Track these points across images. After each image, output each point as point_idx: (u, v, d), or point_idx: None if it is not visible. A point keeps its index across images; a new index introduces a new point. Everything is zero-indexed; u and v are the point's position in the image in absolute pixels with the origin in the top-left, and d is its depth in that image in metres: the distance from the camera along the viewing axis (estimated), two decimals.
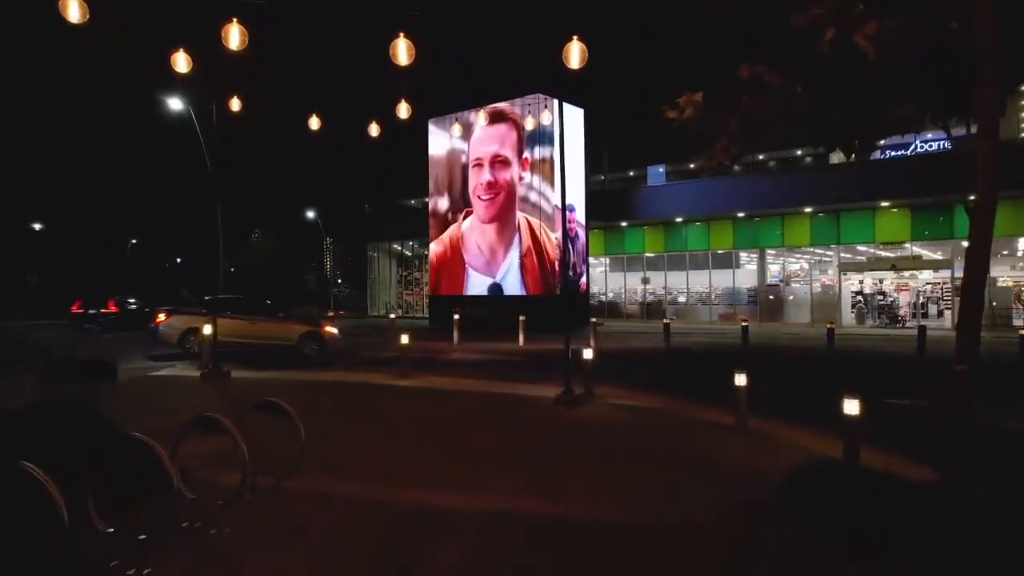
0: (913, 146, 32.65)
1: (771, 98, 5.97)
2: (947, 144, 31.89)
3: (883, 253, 26.88)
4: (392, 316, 22.29)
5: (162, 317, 15.11)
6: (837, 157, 34.54)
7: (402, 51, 6.72)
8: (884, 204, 25.84)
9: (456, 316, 19.66)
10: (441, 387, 10.66)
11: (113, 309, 28.16)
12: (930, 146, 32.28)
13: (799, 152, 35.59)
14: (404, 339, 11.74)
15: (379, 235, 42.07)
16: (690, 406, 9.58)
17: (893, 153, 33.20)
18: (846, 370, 14.09)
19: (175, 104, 23.57)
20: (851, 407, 6.55)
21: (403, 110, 11.38)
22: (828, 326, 16.98)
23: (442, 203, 30.09)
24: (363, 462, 6.26)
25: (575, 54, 5.55)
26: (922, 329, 15.49)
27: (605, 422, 8.45)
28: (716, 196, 29.67)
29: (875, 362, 15.67)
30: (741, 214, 29.01)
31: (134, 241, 75.47)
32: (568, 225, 27.98)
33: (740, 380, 8.32)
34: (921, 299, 26.53)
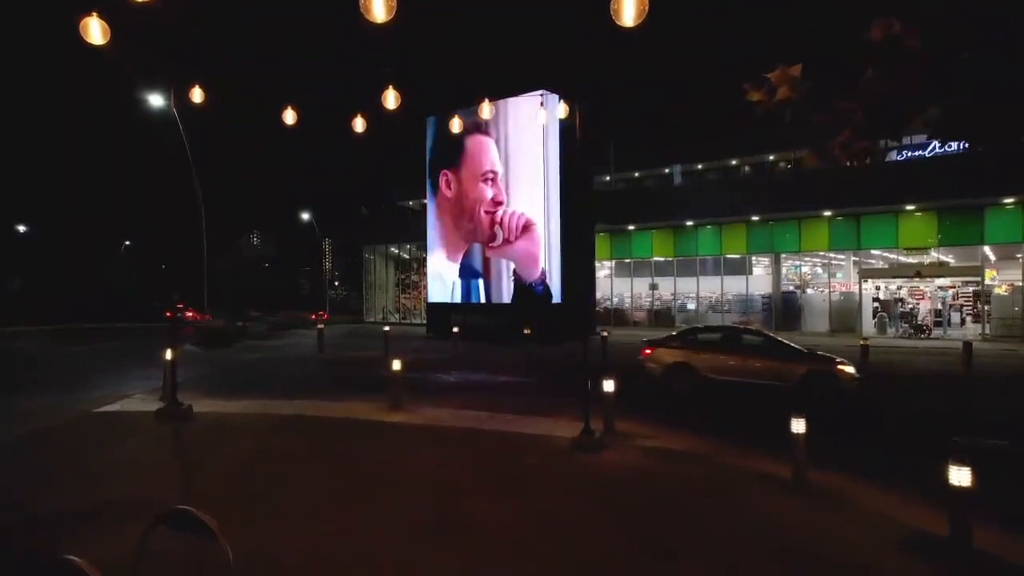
0: (932, 146, 31.26)
1: (906, 71, 4.40)
2: (964, 145, 30.65)
3: (906, 259, 25.43)
4: (387, 328, 20.77)
5: (648, 351, 12.95)
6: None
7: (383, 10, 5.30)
8: (909, 207, 24.40)
9: (455, 329, 18.20)
10: (437, 424, 9.18)
11: (198, 318, 26.39)
12: (949, 146, 30.87)
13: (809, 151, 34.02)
14: (396, 365, 10.26)
15: (375, 238, 40.60)
16: (728, 449, 8.12)
17: (910, 154, 31.84)
18: (894, 394, 12.64)
19: (157, 101, 22.19)
20: (960, 476, 5.10)
21: (390, 99, 9.93)
22: (862, 342, 15.54)
23: (443, 206, 28.60)
24: (320, 560, 4.75)
25: (629, 8, 4.07)
26: (968, 345, 14.03)
27: (635, 477, 6.97)
28: (728, 198, 28.25)
29: (922, 382, 14.21)
30: (755, 217, 27.56)
31: (128, 243, 73.97)
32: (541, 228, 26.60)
33: (797, 427, 6.84)
34: (941, 307, 25.09)
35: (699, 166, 34.65)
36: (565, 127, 24.79)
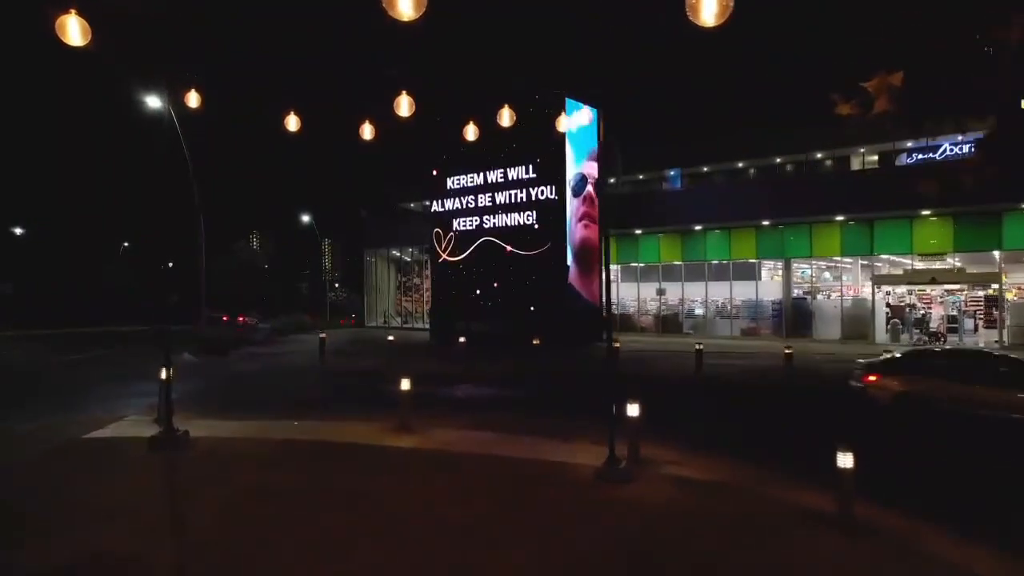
0: (943, 149, 30.72)
1: None
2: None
3: (920, 265, 24.85)
4: (391, 338, 20.19)
5: (873, 377, 11.52)
6: (858, 162, 32.69)
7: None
8: (924, 212, 23.82)
9: (462, 339, 17.63)
10: (448, 449, 8.60)
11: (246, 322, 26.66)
12: (960, 149, 30.35)
13: (819, 155, 33.51)
14: (405, 384, 9.67)
15: (377, 241, 40.02)
16: (765, 479, 7.56)
17: (920, 156, 31.30)
18: None
19: (155, 102, 21.64)
20: None
21: (403, 105, 9.36)
22: (886, 353, 14.89)
23: (450, 211, 28.03)
24: None
25: (709, 5, 3.45)
26: None
27: (665, 515, 6.40)
28: (738, 203, 27.71)
29: None
30: (766, 222, 26.99)
31: (126, 244, 73.36)
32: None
33: (845, 461, 6.26)
34: (956, 313, 24.50)
35: (707, 168, 34.12)
36: (579, 130, 24.30)
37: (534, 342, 17.42)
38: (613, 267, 31.61)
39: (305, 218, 49.78)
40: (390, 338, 21.41)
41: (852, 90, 4.60)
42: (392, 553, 5.24)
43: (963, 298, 24.85)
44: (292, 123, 9.34)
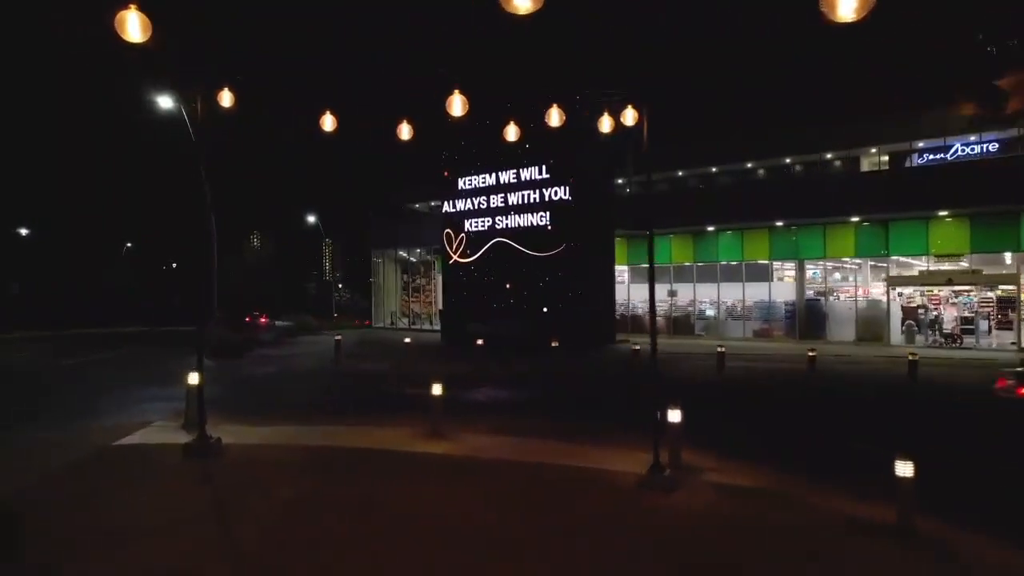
0: (954, 149, 30.55)
1: None
2: (991, 148, 29.90)
3: (936, 266, 24.68)
4: (408, 340, 20.03)
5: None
6: (868, 163, 32.51)
7: None
8: (941, 213, 23.66)
9: (480, 341, 17.47)
10: (481, 456, 8.42)
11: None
12: (972, 149, 30.17)
13: (829, 156, 33.30)
14: (436, 389, 9.50)
15: (385, 242, 39.89)
16: (812, 487, 7.37)
17: (931, 156, 31.13)
18: (970, 422, 11.89)
19: (164, 102, 21.49)
20: None
21: (456, 105, 9.21)
22: (910, 357, 14.77)
23: (461, 211, 27.85)
24: None
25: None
26: None
27: (716, 525, 6.22)
28: (751, 203, 27.55)
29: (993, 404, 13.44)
30: (779, 223, 26.83)
31: (129, 245, 73.26)
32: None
33: (904, 469, 6.08)
34: (972, 315, 24.28)
35: (718, 169, 33.97)
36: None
37: (552, 344, 17.20)
38: (623, 268, 31.46)
39: (311, 219, 49.61)
40: (407, 340, 21.18)
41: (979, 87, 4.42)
42: (431, 565, 5.06)
43: (975, 299, 24.57)
44: (328, 123, 9.15)
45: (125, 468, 7.47)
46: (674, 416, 8.26)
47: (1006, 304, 23.60)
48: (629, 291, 31.31)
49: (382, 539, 5.54)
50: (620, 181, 34.48)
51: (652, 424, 7.86)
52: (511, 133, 10.47)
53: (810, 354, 15.91)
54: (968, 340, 23.71)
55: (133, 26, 4.94)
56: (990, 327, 24.63)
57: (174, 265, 70.99)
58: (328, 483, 7.03)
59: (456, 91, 7.16)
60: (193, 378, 9.53)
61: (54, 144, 62.30)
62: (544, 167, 25.62)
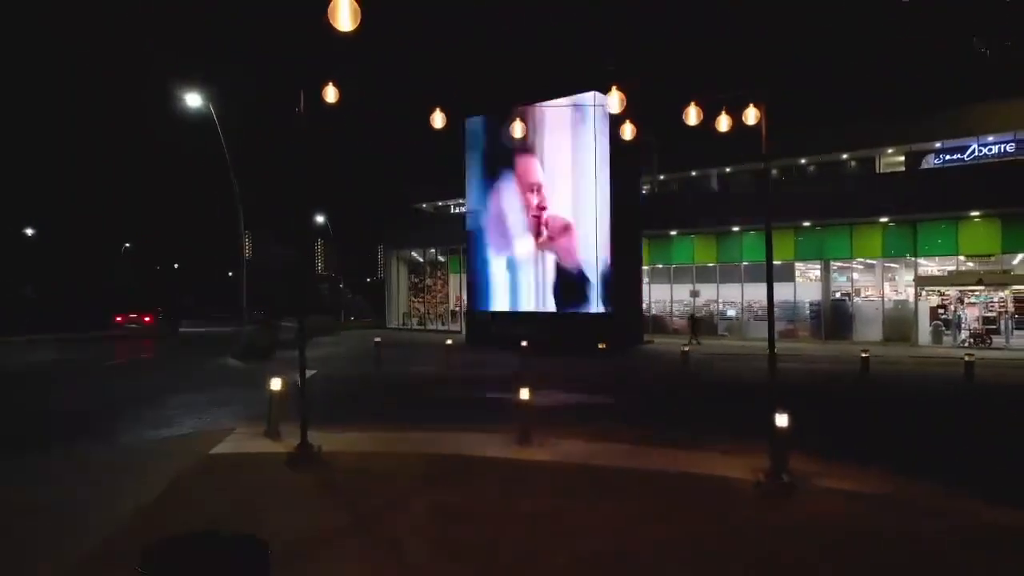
0: (971, 149, 30.70)
1: None
2: (1008, 147, 30.06)
3: (966, 266, 24.74)
4: (449, 342, 19.85)
5: None
6: (886, 162, 32.64)
7: None
8: (972, 213, 23.72)
9: (524, 343, 17.32)
10: (589, 463, 8.27)
11: None
12: (989, 149, 30.33)
13: (844, 156, 33.34)
14: (524, 394, 9.32)
15: (399, 242, 39.65)
16: (940, 493, 7.27)
17: (949, 157, 31.28)
18: None
19: (194, 101, 21.20)
20: None
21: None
22: (966, 357, 14.74)
23: (483, 213, 27.63)
24: None
25: None
26: None
27: (853, 532, 6.07)
28: (777, 204, 27.48)
29: None
30: (807, 223, 26.83)
31: (127, 245, 72.55)
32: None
33: None
34: (1001, 315, 24.34)
35: (741, 168, 33.98)
36: (613, 128, 24.04)
37: (599, 346, 17.10)
38: (646, 268, 31.39)
39: (320, 219, 49.22)
40: (448, 342, 20.87)
41: None
42: None
43: (999, 297, 24.46)
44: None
45: (243, 479, 7.24)
46: (781, 420, 8.15)
47: None
48: (650, 291, 31.25)
49: (550, 550, 5.38)
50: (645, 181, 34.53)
51: (771, 430, 7.77)
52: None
53: (863, 355, 15.86)
54: (997, 340, 23.78)
55: (344, 15, 4.70)
56: (1010, 326, 24.66)
57: (175, 266, 70.46)
58: (457, 494, 6.85)
59: (615, 87, 7.02)
60: (276, 384, 9.33)
61: (55, 144, 61.63)
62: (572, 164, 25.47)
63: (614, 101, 8.77)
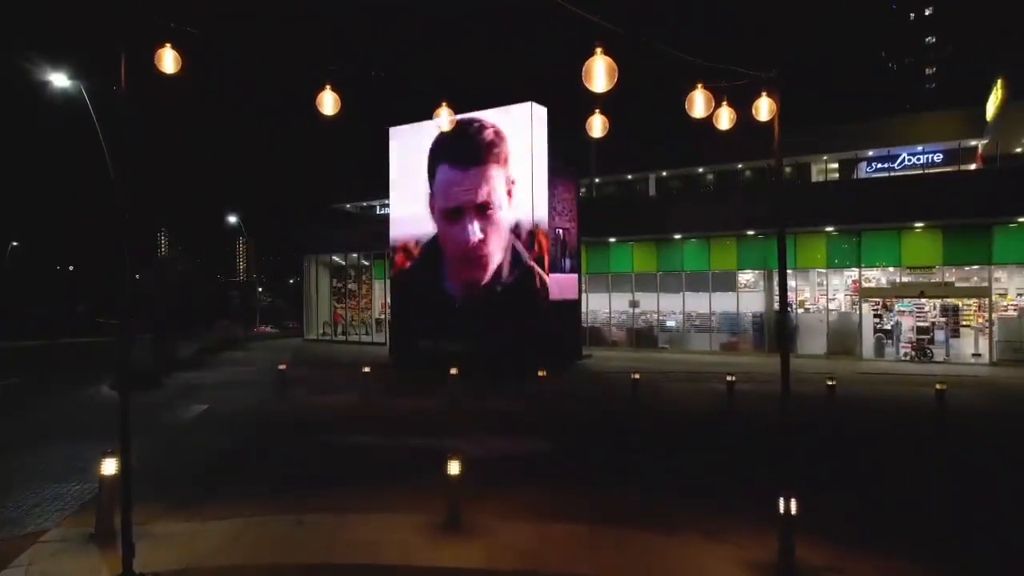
0: (901, 159, 30.73)
1: None
2: (935, 158, 30.21)
3: (908, 278, 24.19)
4: (367, 370, 17.40)
5: None
6: (815, 171, 32.31)
7: None
8: (916, 225, 23.14)
9: (454, 371, 15.09)
10: (540, 569, 6.16)
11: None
12: (917, 159, 30.44)
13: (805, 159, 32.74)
14: (453, 468, 7.13)
15: (319, 246, 36.56)
16: None
17: (879, 165, 31.24)
18: None
19: (60, 81, 17.93)
20: None
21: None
22: (938, 387, 13.41)
23: (406, 216, 25.11)
24: None
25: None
26: None
27: None
28: (719, 211, 26.41)
29: None
30: (751, 232, 25.78)
31: (15, 244, 65.92)
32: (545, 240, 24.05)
33: None
34: (943, 329, 23.91)
35: (683, 172, 32.99)
36: (551, 135, 22.31)
37: (539, 374, 15.03)
38: (583, 277, 29.73)
39: (232, 219, 45.26)
40: (352, 358, 18.28)
41: None
42: None
43: (949, 314, 24.04)
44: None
45: None
46: (789, 503, 6.27)
47: (984, 319, 23.12)
48: (587, 301, 29.58)
49: None
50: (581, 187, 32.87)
51: (779, 517, 5.91)
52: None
53: (829, 383, 14.37)
54: (939, 353, 23.31)
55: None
56: (947, 339, 24.29)
57: (71, 268, 63.75)
58: None
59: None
60: (108, 466, 6.68)
61: None
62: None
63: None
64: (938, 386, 13.39)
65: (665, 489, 8.77)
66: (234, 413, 14.24)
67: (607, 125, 7.26)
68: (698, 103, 5.82)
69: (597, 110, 7.11)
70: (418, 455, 10.43)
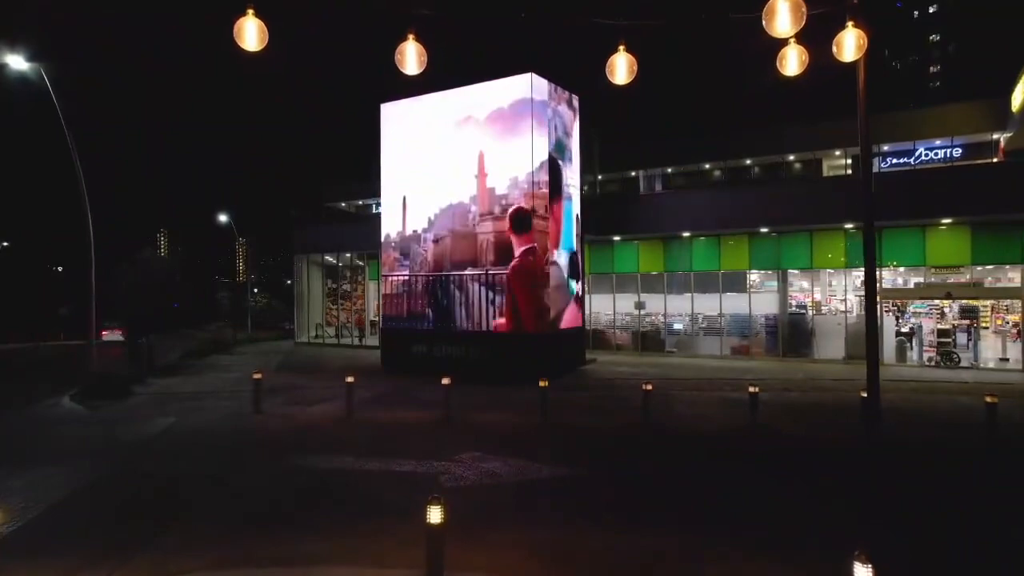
0: (918, 153, 29.32)
1: None
2: (953, 152, 28.80)
3: (934, 279, 22.77)
4: (343, 364, 15.91)
5: None
6: (827, 166, 30.89)
7: None
8: (944, 221, 21.72)
9: (446, 381, 13.64)
10: None
11: None
12: (935, 154, 29.02)
13: (791, 157, 31.45)
14: (435, 515, 5.68)
15: (311, 246, 35.13)
16: None
17: (895, 160, 29.84)
18: None
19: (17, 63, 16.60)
20: None
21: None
22: (989, 400, 12.00)
23: (400, 212, 23.66)
24: None
25: None
26: None
27: None
28: (730, 208, 25.01)
29: None
30: (764, 229, 24.37)
31: (5, 244, 64.63)
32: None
33: None
34: (971, 333, 22.50)
35: (693, 169, 31.60)
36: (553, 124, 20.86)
37: (541, 384, 13.55)
38: (585, 277, 28.31)
39: (223, 218, 43.73)
40: (342, 363, 16.81)
41: None
42: None
43: (979, 317, 22.69)
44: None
45: None
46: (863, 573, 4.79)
47: (1017, 322, 21.77)
48: (590, 302, 28.14)
49: None
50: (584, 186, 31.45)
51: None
52: None
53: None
54: (966, 355, 21.92)
55: None
56: (974, 343, 22.87)
57: (59, 268, 62.18)
58: None
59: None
60: None
61: None
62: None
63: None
64: (988, 399, 11.93)
65: (710, 533, 7.21)
66: (198, 431, 12.72)
67: (634, 68, 5.94)
68: (781, 14, 4.39)
69: (622, 47, 5.73)
70: (403, 484, 8.98)
